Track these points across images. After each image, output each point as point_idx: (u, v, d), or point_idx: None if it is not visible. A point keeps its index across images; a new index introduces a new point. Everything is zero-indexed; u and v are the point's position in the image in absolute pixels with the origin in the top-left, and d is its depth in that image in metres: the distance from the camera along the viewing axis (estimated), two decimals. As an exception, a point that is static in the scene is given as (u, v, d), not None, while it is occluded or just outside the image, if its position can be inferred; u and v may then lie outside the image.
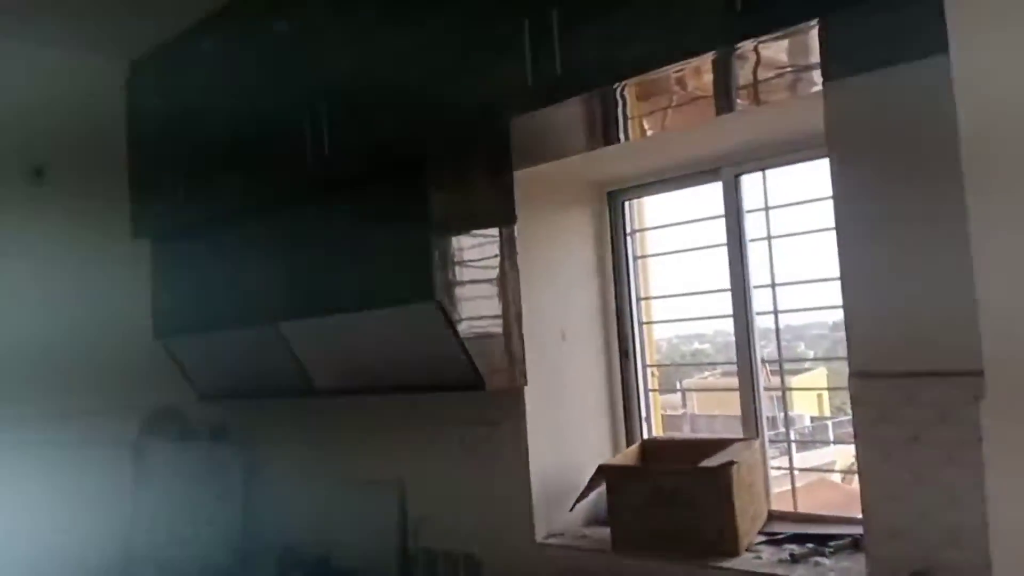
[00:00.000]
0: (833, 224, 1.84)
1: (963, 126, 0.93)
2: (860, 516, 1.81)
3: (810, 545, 2.08)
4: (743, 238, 2.44)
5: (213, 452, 3.17)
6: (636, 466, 2.44)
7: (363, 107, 2.29)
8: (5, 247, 2.92)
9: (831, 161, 1.80)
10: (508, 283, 2.33)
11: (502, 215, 2.35)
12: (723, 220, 2.46)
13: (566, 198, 2.69)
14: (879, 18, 1.50)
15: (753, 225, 2.43)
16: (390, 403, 2.79)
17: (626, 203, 2.78)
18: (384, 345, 2.49)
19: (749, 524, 2.18)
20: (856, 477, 1.84)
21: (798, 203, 2.33)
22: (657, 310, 2.79)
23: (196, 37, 2.90)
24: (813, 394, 2.92)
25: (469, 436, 2.56)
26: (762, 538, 2.20)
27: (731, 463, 2.12)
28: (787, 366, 2.51)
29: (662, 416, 2.88)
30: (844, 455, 2.65)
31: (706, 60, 1.64)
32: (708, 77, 1.77)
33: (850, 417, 1.80)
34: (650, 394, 2.73)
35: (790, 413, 2.68)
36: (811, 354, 2.74)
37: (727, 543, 2.09)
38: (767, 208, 2.40)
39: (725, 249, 2.46)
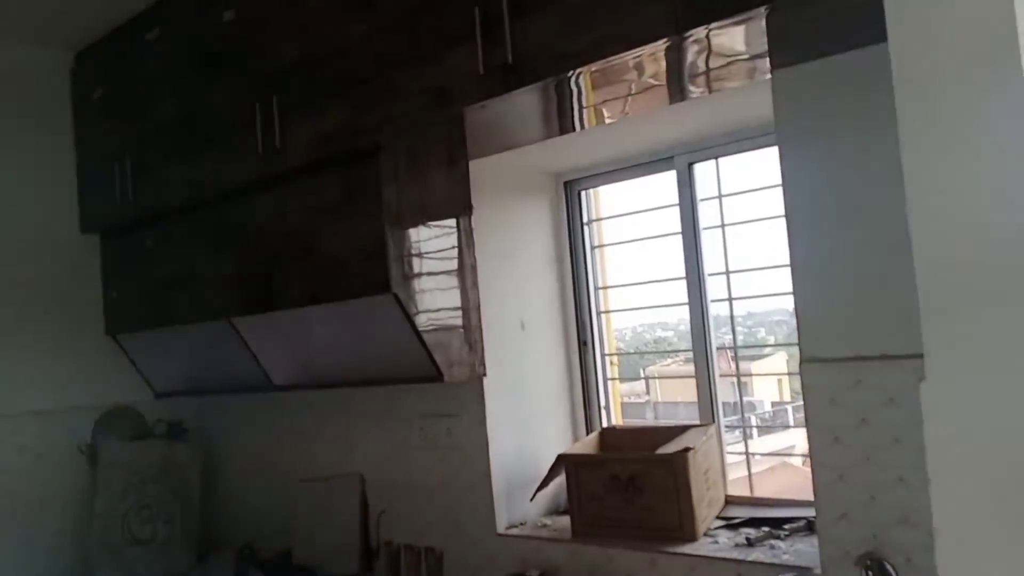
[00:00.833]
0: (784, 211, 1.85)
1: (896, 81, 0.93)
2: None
3: (766, 528, 2.11)
4: (697, 226, 2.46)
5: (171, 450, 3.12)
6: (594, 454, 2.46)
7: (314, 97, 2.26)
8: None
9: (780, 149, 1.82)
10: (466, 274, 2.32)
11: (458, 205, 2.33)
12: (677, 208, 2.48)
13: (523, 188, 2.69)
14: (827, 5, 1.51)
15: (707, 213, 2.45)
16: (349, 397, 2.78)
17: (582, 192, 2.78)
18: (341, 339, 2.47)
19: (706, 509, 2.20)
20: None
21: (752, 191, 2.35)
22: (616, 299, 2.80)
23: (142, 26, 2.83)
24: (775, 379, 2.96)
25: (429, 428, 2.56)
26: (720, 523, 2.23)
27: (687, 450, 2.14)
28: (750, 352, 2.54)
29: (627, 404, 2.90)
30: (804, 439, 2.68)
31: (658, 48, 1.64)
32: (661, 65, 1.77)
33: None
34: (609, 382, 2.74)
35: (753, 399, 2.71)
36: (771, 340, 2.77)
37: (685, 529, 2.11)
38: (720, 196, 2.42)
39: (680, 237, 2.48)
